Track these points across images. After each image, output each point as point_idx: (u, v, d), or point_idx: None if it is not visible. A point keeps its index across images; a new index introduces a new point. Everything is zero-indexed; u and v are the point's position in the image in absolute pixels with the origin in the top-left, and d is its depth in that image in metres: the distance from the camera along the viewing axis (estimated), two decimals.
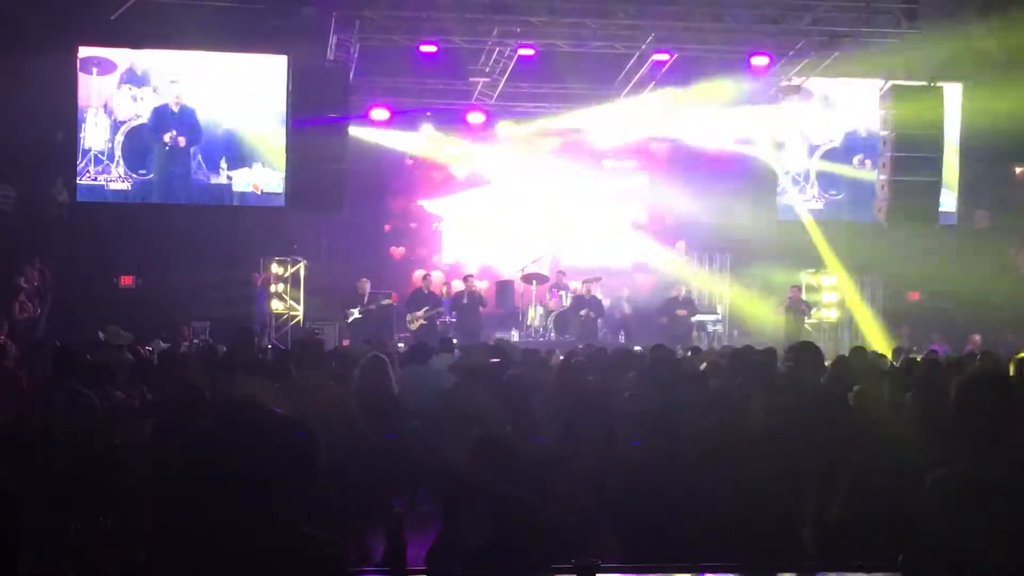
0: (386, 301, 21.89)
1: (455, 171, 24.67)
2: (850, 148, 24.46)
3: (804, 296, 23.39)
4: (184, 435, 6.44)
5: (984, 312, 21.58)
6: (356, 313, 21.50)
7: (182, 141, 22.15)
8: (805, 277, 24.11)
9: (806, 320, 23.10)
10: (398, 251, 24.48)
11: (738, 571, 5.90)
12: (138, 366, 11.08)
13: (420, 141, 23.92)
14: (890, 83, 20.66)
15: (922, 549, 4.33)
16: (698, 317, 22.94)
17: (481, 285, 22.94)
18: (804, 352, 9.17)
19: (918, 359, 13.14)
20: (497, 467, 5.32)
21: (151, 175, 22.05)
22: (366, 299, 21.68)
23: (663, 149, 24.94)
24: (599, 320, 22.23)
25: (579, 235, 24.98)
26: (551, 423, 8.64)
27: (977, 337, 20.79)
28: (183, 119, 22.14)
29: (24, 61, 19.57)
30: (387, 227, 24.59)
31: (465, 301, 21.69)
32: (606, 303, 22.82)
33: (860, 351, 12.48)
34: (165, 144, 22.07)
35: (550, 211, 24.83)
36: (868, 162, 23.96)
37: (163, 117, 22.08)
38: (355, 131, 21.47)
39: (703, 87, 21.93)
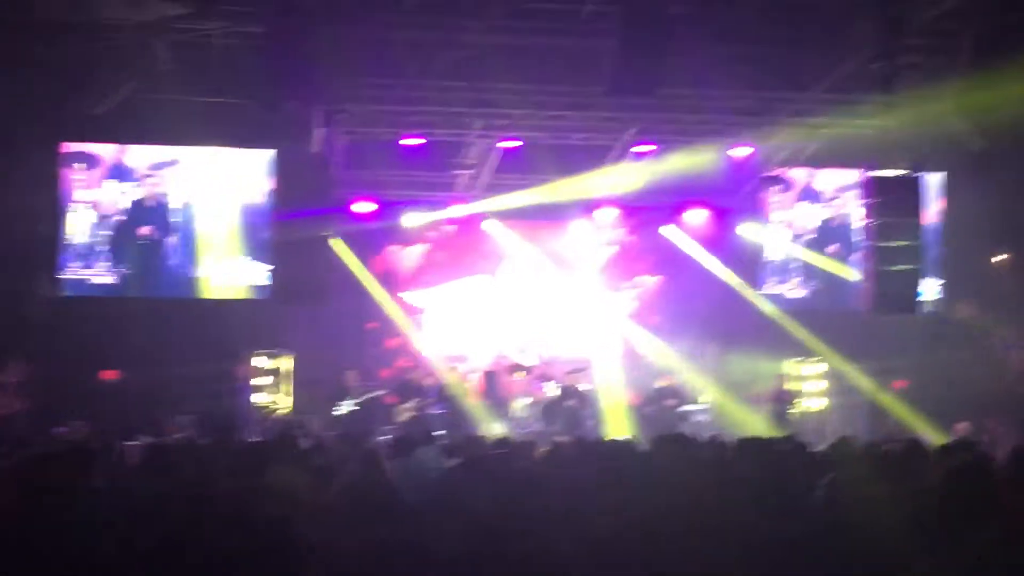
0: (379, 393, 21.85)
1: (440, 261, 24.64)
2: (825, 237, 24.69)
3: (788, 385, 23.43)
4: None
5: (969, 401, 21.62)
6: (350, 406, 21.40)
7: (156, 235, 22.22)
8: (790, 366, 24.16)
9: (789, 410, 23.07)
10: (388, 342, 24.29)
11: None
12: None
13: (406, 229, 23.94)
14: (868, 173, 20.82)
15: None
16: (684, 407, 22.87)
17: (470, 375, 22.97)
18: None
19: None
20: (490, 557, 5.24)
21: (129, 270, 22.08)
22: (355, 392, 21.61)
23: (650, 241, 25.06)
24: (585, 411, 22.14)
25: (564, 325, 24.91)
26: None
27: (962, 426, 20.77)
28: (156, 213, 22.22)
29: (6, 156, 19.67)
30: (374, 325, 24.40)
31: (453, 393, 21.67)
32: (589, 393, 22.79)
33: (844, 442, 12.29)
34: (140, 239, 22.13)
35: (535, 301, 24.81)
36: (841, 250, 24.29)
37: (139, 211, 22.15)
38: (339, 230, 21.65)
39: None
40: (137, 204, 22.13)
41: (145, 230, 22.16)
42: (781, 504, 7.86)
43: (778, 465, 10.48)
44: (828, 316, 24.36)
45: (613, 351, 24.85)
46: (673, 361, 24.35)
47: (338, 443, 15.18)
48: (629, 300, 25.20)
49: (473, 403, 22.12)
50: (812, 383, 24.49)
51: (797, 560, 7.21)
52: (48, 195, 21.57)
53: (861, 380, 24.15)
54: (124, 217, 22.08)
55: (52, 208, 21.70)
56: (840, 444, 11.65)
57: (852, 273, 23.68)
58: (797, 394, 23.65)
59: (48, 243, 21.73)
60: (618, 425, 21.91)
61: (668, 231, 24.60)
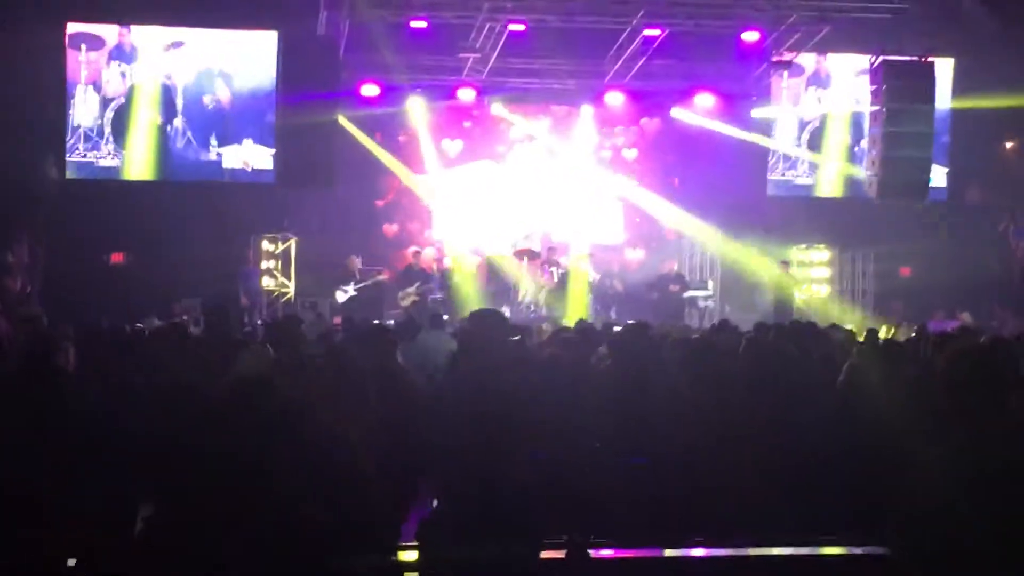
0: (380, 278, 21.86)
1: (446, 147, 24.51)
2: (834, 123, 24.57)
3: (793, 272, 23.40)
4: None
5: (974, 288, 21.68)
6: (351, 291, 21.41)
7: (159, 119, 22.18)
8: (796, 253, 24.16)
9: (793, 296, 23.10)
10: (391, 228, 24.31)
11: (730, 546, 5.93)
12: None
13: (412, 113, 23.77)
14: (881, 58, 20.60)
15: (914, 525, 4.35)
16: (689, 293, 22.91)
17: (473, 261, 22.96)
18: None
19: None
20: (490, 440, 5.30)
21: (133, 152, 22.05)
22: (358, 276, 21.61)
23: (653, 126, 24.90)
24: (589, 296, 22.17)
25: (571, 211, 24.86)
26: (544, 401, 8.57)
27: (965, 315, 20.86)
28: (163, 96, 22.16)
29: (13, 38, 19.53)
30: (380, 203, 24.36)
31: (455, 278, 21.69)
32: (596, 279, 22.77)
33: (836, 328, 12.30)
34: (146, 122, 22.09)
35: (541, 187, 24.73)
36: (849, 136, 24.20)
37: (144, 94, 22.06)
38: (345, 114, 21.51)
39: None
40: (142, 87, 22.04)
41: (151, 113, 22.09)
42: (793, 391, 7.92)
43: (787, 352, 10.57)
44: (835, 203, 24.33)
45: (619, 237, 24.88)
46: (679, 247, 24.41)
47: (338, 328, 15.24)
48: (635, 185, 25.10)
49: (477, 289, 22.13)
50: (817, 270, 24.52)
51: (810, 446, 7.30)
52: (54, 76, 21.49)
53: (867, 267, 24.22)
54: (130, 100, 22.01)
55: (59, 90, 21.62)
56: (832, 330, 11.68)
57: (859, 160, 23.59)
58: (802, 280, 23.62)
59: (55, 125, 21.68)
60: (624, 311, 22.02)
61: (679, 113, 24.36)
